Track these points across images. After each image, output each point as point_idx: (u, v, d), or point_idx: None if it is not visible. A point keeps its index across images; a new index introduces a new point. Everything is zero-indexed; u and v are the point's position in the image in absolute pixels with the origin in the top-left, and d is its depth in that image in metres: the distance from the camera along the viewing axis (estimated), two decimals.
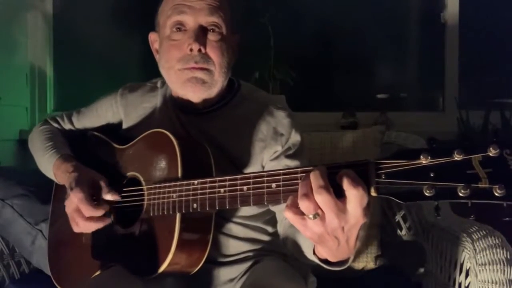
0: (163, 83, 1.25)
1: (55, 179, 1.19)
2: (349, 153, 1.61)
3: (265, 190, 0.80)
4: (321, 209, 0.69)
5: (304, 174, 0.75)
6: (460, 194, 0.63)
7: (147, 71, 2.42)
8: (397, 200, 0.67)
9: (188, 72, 1.08)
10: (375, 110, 2.13)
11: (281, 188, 0.78)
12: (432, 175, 0.65)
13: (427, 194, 0.65)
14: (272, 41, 2.11)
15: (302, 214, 0.71)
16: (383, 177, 0.68)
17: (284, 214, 0.74)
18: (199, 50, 1.06)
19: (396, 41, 2.35)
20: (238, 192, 0.84)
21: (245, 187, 0.83)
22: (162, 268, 0.95)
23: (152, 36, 1.19)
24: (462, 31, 2.18)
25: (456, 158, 0.64)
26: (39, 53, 2.40)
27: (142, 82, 1.30)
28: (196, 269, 1.02)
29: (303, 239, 0.93)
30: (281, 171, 0.79)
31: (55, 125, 1.32)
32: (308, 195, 0.69)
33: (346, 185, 0.68)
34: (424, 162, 0.66)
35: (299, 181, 0.75)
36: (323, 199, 0.68)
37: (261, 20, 2.07)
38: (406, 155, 0.67)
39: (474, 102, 2.06)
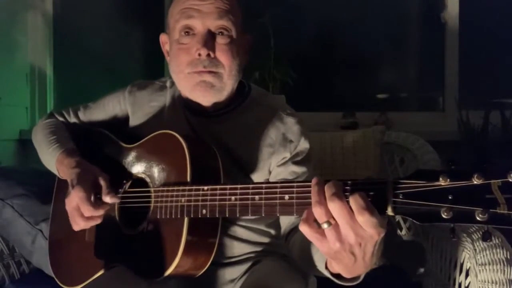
0: (173, 83, 1.24)
1: (58, 174, 1.17)
2: (349, 153, 1.61)
3: (277, 201, 0.80)
4: (334, 218, 0.70)
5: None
6: (478, 218, 0.63)
7: (148, 71, 2.44)
8: (414, 221, 0.68)
9: (197, 76, 1.07)
10: (375, 110, 2.13)
11: (294, 201, 0.78)
12: (450, 197, 0.65)
13: (444, 217, 0.65)
14: (272, 41, 2.10)
15: (317, 227, 0.72)
16: (400, 196, 0.68)
17: (299, 228, 0.74)
18: (208, 55, 1.05)
19: (396, 41, 2.35)
20: (249, 202, 0.84)
21: (256, 197, 0.82)
22: (168, 272, 0.95)
23: (163, 38, 1.18)
24: (462, 31, 2.18)
25: (475, 182, 0.64)
26: (39, 53, 2.40)
27: (151, 80, 1.28)
28: (201, 272, 1.01)
29: (315, 250, 0.92)
30: (294, 184, 0.79)
31: (61, 119, 1.30)
32: (321, 201, 0.70)
33: (355, 211, 0.69)
34: (443, 184, 0.65)
35: None
36: (335, 206, 0.69)
37: (261, 20, 2.06)
38: (425, 176, 0.67)
39: (474, 102, 2.06)
